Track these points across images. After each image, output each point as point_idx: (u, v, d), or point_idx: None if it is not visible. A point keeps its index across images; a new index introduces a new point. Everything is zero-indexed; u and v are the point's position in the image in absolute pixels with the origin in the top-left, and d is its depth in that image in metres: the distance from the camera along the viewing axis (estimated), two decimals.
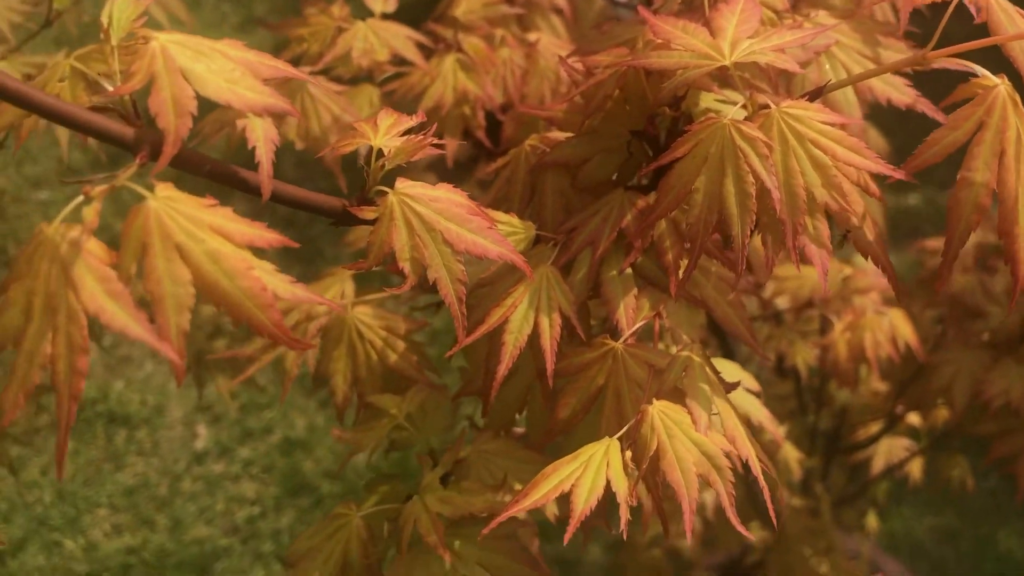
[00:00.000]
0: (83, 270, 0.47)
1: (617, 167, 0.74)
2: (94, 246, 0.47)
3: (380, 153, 0.62)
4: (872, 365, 1.23)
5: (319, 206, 0.63)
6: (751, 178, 0.58)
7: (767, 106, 0.61)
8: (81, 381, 0.46)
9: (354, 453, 0.86)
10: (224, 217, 0.50)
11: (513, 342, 0.69)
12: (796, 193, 0.58)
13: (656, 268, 0.71)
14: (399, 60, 1.13)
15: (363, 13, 1.13)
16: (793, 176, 0.58)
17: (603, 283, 0.71)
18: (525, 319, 0.69)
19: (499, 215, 0.73)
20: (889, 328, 1.26)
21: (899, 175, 0.58)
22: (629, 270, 0.72)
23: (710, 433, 0.61)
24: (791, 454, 1.56)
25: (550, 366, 0.68)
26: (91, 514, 2.61)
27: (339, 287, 0.96)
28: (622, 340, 0.68)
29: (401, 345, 0.91)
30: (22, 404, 0.47)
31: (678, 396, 0.64)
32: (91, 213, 0.46)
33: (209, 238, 0.49)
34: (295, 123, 1.06)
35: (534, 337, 0.69)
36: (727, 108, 0.70)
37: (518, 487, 0.81)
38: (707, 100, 0.70)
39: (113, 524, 2.63)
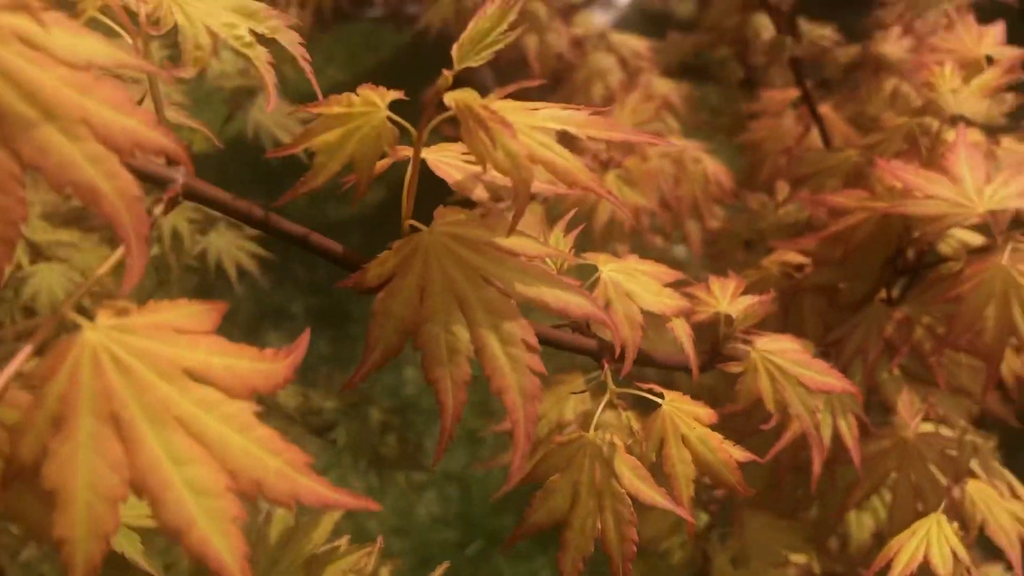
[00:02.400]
0: (621, 464, 0.63)
1: (870, 289, 0.91)
2: (623, 445, 0.63)
3: (728, 318, 0.78)
4: None
5: (678, 365, 0.79)
6: None
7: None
8: (631, 547, 0.62)
9: None
10: (701, 406, 0.66)
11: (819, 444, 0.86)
12: None
13: (919, 367, 0.89)
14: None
15: None
16: None
17: (880, 384, 0.88)
18: (824, 423, 0.86)
19: (784, 339, 0.90)
20: None
21: None
22: (897, 371, 0.89)
23: (1012, 502, 0.79)
24: None
25: (857, 459, 0.85)
26: None
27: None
28: (911, 432, 0.86)
29: None
30: (580, 569, 0.63)
31: (975, 475, 0.82)
32: (630, 418, 0.63)
33: (697, 426, 0.65)
34: None
35: (835, 437, 0.86)
36: (966, 235, 0.88)
37: (795, 558, 0.98)
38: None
39: None
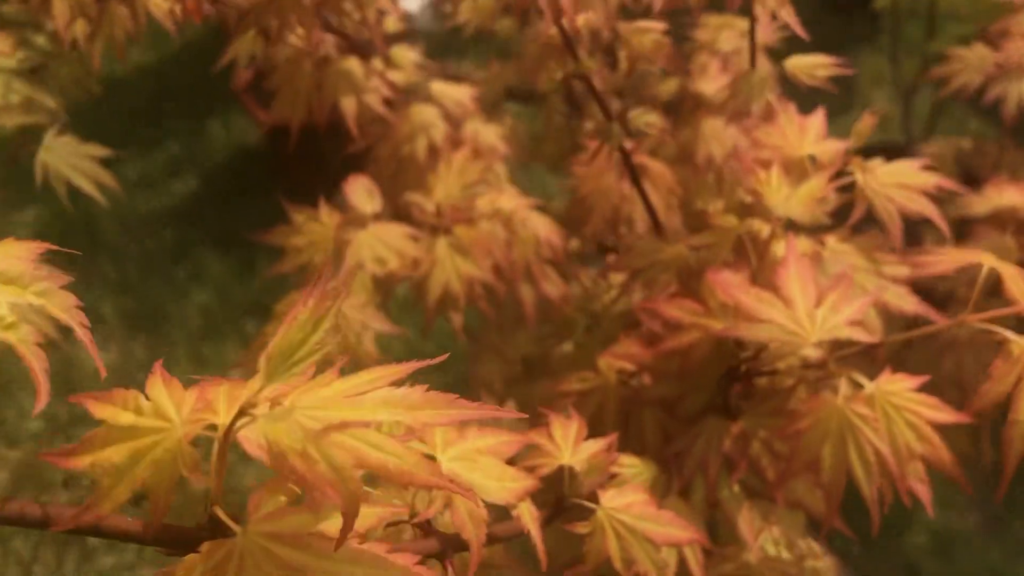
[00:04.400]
0: None
1: (708, 400, 0.90)
2: None
3: (573, 471, 0.75)
4: None
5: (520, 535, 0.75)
6: (869, 447, 0.76)
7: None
8: None
9: None
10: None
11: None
12: (900, 450, 0.77)
13: (758, 482, 0.89)
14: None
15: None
16: (896, 438, 0.77)
17: (721, 501, 0.88)
18: (669, 551, 0.85)
19: (626, 459, 0.88)
20: None
21: (966, 419, 0.78)
22: (736, 487, 0.89)
23: None
24: None
25: None
26: None
27: None
28: (754, 555, 0.86)
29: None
30: None
31: None
32: None
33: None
34: None
35: (681, 563, 0.85)
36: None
37: None
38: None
39: None
